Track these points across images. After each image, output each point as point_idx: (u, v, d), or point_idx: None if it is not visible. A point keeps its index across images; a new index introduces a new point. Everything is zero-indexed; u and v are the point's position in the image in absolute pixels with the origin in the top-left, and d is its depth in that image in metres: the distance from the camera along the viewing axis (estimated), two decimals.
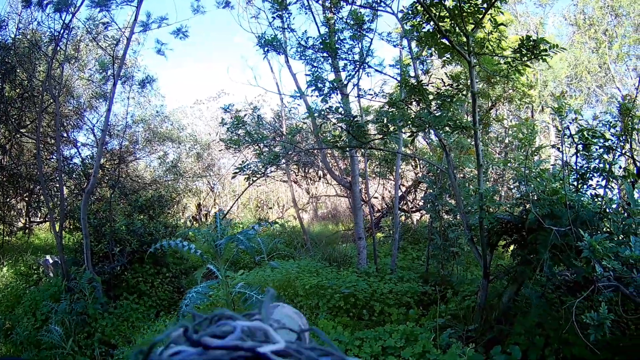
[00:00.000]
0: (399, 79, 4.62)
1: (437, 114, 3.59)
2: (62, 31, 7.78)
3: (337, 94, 4.14)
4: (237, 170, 4.73)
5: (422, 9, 4.26)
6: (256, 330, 0.42)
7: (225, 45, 35.90)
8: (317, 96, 4.02)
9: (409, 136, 3.87)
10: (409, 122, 3.59)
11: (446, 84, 3.99)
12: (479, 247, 4.59)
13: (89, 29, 9.02)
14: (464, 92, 4.12)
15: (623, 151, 4.26)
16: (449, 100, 3.97)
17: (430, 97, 3.98)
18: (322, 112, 3.78)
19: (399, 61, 5.70)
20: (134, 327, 6.69)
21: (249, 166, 4.62)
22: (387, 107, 3.77)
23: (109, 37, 9.08)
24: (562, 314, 3.83)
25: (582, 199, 4.05)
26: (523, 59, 3.91)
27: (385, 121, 3.57)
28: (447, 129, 4.01)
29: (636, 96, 6.98)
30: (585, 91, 10.73)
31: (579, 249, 3.38)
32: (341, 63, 5.05)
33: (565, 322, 3.34)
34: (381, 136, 3.62)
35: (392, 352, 4.12)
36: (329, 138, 3.94)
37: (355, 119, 3.69)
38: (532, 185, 4.25)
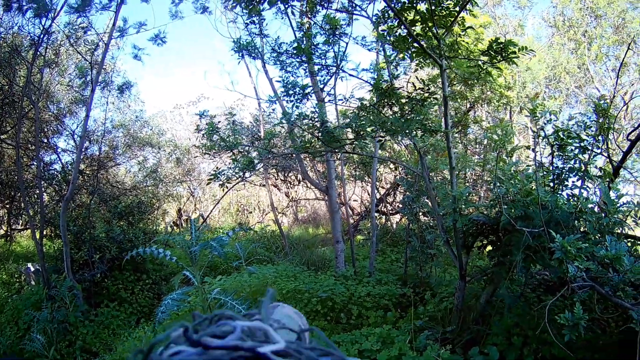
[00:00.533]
0: (373, 83, 4.61)
1: (407, 118, 3.59)
2: (42, 36, 7.73)
3: (308, 99, 4.14)
4: (212, 177, 4.70)
5: (393, 13, 4.28)
6: (256, 330, 0.42)
7: (205, 50, 35.87)
8: (288, 102, 4.01)
9: (378, 141, 3.87)
10: (379, 127, 3.59)
11: (417, 88, 4.00)
12: (454, 249, 4.61)
13: (68, 34, 8.95)
14: (436, 96, 4.14)
15: (599, 151, 4.30)
16: (420, 104, 3.98)
17: (403, 100, 3.98)
18: (292, 119, 3.76)
19: (376, 65, 5.71)
20: (114, 335, 6.69)
21: (223, 172, 4.60)
22: (359, 111, 3.77)
23: (89, 42, 9.02)
24: (539, 313, 3.84)
25: (557, 199, 4.06)
26: (493, 61, 3.93)
27: (354, 126, 3.57)
28: (419, 132, 4.02)
29: (614, 96, 7.08)
30: (564, 92, 10.85)
31: (551, 249, 3.39)
32: (316, 68, 5.05)
33: (543, 322, 3.35)
34: (351, 141, 3.62)
35: (368, 355, 4.12)
36: (300, 143, 3.92)
37: (325, 125, 3.69)
38: (504, 187, 4.27)
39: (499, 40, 3.78)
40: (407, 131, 3.47)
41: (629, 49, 9.26)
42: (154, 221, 9.43)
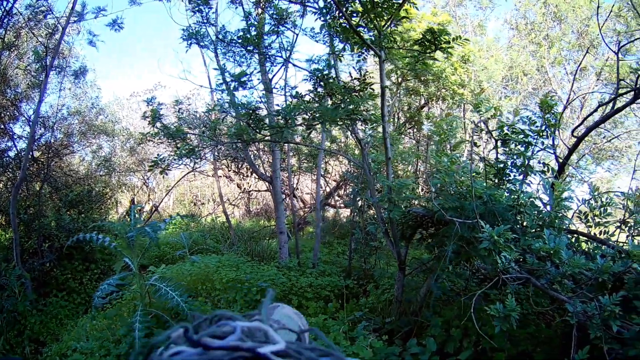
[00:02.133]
0: (320, 74, 4.61)
1: (336, 106, 3.61)
2: (2, 18, 7.54)
3: (244, 88, 4.12)
4: (152, 164, 4.66)
5: (334, 5, 4.30)
6: (256, 331, 0.42)
7: (164, 38, 35.57)
8: (223, 91, 4.01)
9: (305, 129, 3.89)
10: (310, 115, 3.60)
11: (353, 78, 4.03)
12: (393, 240, 4.65)
13: (30, 17, 8.76)
14: (373, 87, 4.17)
15: (543, 147, 4.37)
16: (356, 93, 4.01)
17: (338, 90, 4.00)
18: (222, 107, 3.76)
19: (327, 56, 5.74)
20: (62, 324, 6.61)
21: (163, 159, 4.56)
22: (291, 100, 3.78)
23: (49, 26, 8.84)
24: (478, 305, 3.85)
25: (494, 192, 4.08)
26: (427, 52, 3.97)
27: (283, 114, 3.57)
28: (348, 121, 4.05)
29: (569, 97, 7.24)
30: (522, 93, 11.06)
31: (479, 240, 3.40)
32: (260, 57, 5.04)
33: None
34: (279, 128, 3.62)
35: None
36: (234, 130, 3.92)
37: (256, 112, 3.68)
38: (440, 178, 4.31)
39: (432, 30, 3.83)
40: (332, 120, 3.48)
41: (587, 52, 9.52)
42: (106, 211, 9.29)
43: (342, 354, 0.42)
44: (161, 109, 4.67)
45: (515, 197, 4.01)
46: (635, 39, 8.43)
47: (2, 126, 9.19)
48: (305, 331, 0.56)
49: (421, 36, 3.84)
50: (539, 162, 4.47)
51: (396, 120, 8.66)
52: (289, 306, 0.84)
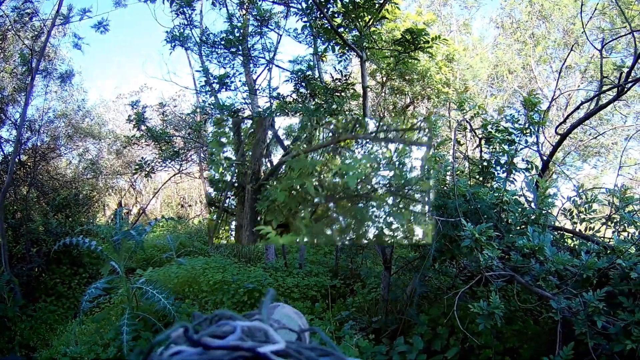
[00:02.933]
0: (302, 74, 4.63)
1: (317, 106, 3.64)
2: None
3: (226, 89, 4.14)
4: (137, 168, 4.67)
5: (316, 6, 4.33)
6: (256, 331, 0.42)
7: (150, 40, 35.48)
8: (205, 92, 4.03)
9: None
10: (290, 115, 3.63)
11: (335, 79, 4.06)
12: None
13: (16, 19, 8.71)
14: (355, 87, 4.21)
15: (527, 144, 4.39)
16: (337, 94, 4.04)
17: (319, 90, 4.03)
18: (203, 109, 3.79)
19: (312, 57, 5.77)
20: (51, 329, 6.60)
21: (148, 163, 4.57)
22: (272, 101, 3.80)
23: (36, 28, 8.80)
24: (465, 303, 3.86)
25: (478, 190, 4.08)
26: (407, 51, 4.01)
27: (264, 115, 3.60)
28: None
29: (554, 95, 7.31)
30: (508, 91, 11.15)
31: (462, 238, 3.40)
32: (244, 59, 5.06)
33: (470, 312, 3.35)
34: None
35: None
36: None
37: (237, 114, 3.71)
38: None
39: (411, 30, 3.86)
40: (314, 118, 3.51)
41: (572, 50, 9.59)
42: (93, 214, 9.27)
43: (343, 354, 0.42)
44: (145, 111, 4.67)
45: (499, 194, 4.02)
46: (619, 37, 8.54)
47: None
48: (305, 331, 0.57)
49: (401, 36, 3.86)
50: (523, 160, 4.50)
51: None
52: (289, 306, 0.83)
